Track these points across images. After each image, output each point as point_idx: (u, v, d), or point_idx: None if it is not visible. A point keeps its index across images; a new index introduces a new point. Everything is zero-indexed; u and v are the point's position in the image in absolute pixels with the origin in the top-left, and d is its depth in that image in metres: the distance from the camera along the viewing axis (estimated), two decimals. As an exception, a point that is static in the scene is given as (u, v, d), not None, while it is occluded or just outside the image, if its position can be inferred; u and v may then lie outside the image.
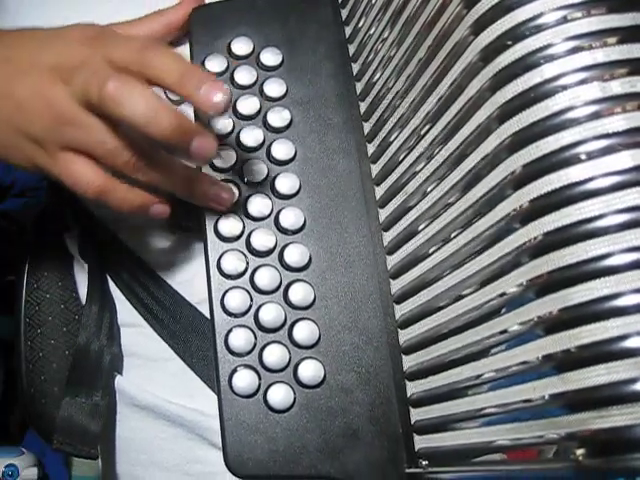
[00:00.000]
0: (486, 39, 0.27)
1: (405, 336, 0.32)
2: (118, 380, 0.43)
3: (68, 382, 0.42)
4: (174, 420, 0.40)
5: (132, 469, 0.42)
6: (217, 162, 0.35)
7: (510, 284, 0.25)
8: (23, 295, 0.51)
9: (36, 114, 0.32)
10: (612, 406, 0.20)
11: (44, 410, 0.49)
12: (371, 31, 0.36)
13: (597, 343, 0.21)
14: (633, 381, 0.21)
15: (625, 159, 0.23)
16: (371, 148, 0.36)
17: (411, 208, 0.32)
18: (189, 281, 0.41)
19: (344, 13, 0.38)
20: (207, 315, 0.40)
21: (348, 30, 0.38)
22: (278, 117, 0.36)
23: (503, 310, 0.26)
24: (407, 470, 0.31)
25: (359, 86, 0.37)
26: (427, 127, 0.31)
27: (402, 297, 0.33)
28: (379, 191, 0.35)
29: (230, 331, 0.33)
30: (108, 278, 0.44)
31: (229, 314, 0.34)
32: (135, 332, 0.43)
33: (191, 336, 0.40)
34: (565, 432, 0.22)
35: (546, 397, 0.23)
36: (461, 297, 0.28)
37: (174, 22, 0.39)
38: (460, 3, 0.28)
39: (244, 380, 0.33)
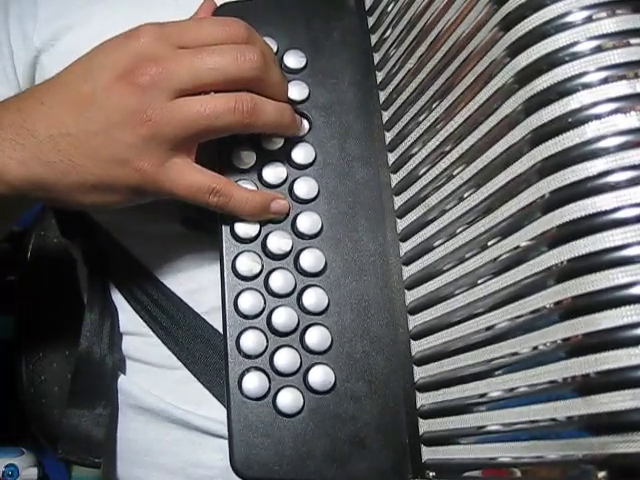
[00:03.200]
0: (522, 62, 0.27)
1: (418, 347, 0.33)
2: (122, 381, 0.43)
3: (71, 392, 0.41)
4: (178, 423, 0.40)
5: (134, 471, 0.42)
6: (236, 163, 0.35)
7: (534, 305, 0.26)
8: (23, 295, 0.51)
9: (127, 129, 0.31)
10: (637, 432, 0.21)
11: (44, 410, 0.48)
12: (398, 42, 0.36)
13: (623, 369, 0.22)
14: (658, 408, 0.21)
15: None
16: (392, 158, 0.36)
17: (432, 221, 0.32)
18: (195, 291, 0.41)
19: (371, 21, 0.38)
20: (213, 324, 0.40)
21: (374, 38, 0.38)
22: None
23: (525, 330, 0.26)
24: (412, 480, 0.32)
25: (382, 95, 0.37)
26: (453, 144, 0.31)
27: (417, 308, 0.33)
28: (398, 201, 0.35)
29: (242, 333, 0.33)
30: (112, 285, 0.44)
31: (241, 315, 0.34)
32: (140, 340, 0.43)
33: (196, 344, 0.40)
34: (587, 454, 0.22)
35: (568, 418, 0.23)
36: (479, 314, 0.28)
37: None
38: (496, 25, 0.29)
39: (254, 382, 0.33)
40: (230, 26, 0.31)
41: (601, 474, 0.22)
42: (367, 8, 0.39)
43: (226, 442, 0.32)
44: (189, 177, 0.32)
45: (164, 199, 0.34)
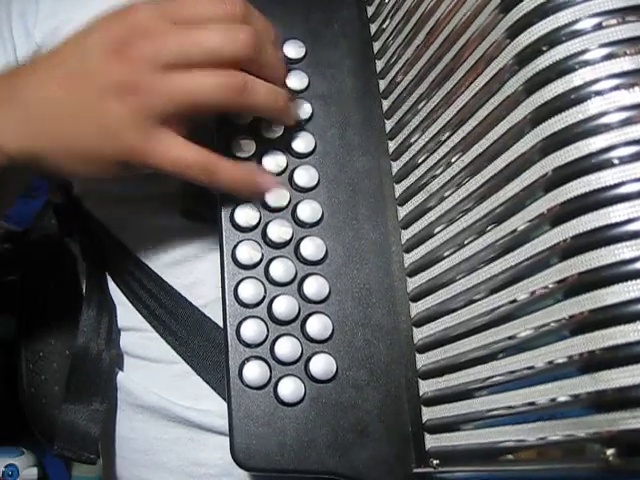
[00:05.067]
0: (523, 43, 0.27)
1: (420, 334, 0.32)
2: (121, 379, 0.42)
3: (67, 388, 0.41)
4: (177, 421, 0.39)
5: (134, 469, 0.42)
6: (236, 152, 0.35)
7: (538, 284, 0.25)
8: (23, 295, 0.50)
9: (116, 100, 0.31)
10: (646, 406, 0.21)
11: (44, 409, 0.48)
12: (397, 31, 0.36)
13: (630, 344, 0.21)
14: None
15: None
16: (392, 146, 0.36)
17: (433, 207, 0.32)
18: (194, 284, 0.41)
19: (370, 10, 0.38)
20: (212, 318, 0.40)
21: (373, 27, 0.38)
22: (299, 110, 0.36)
23: (529, 309, 0.26)
24: (415, 470, 0.31)
25: (382, 84, 0.37)
26: (453, 129, 0.31)
27: (419, 295, 0.33)
28: (399, 189, 0.35)
29: (242, 321, 0.33)
30: (110, 280, 0.44)
31: (242, 304, 0.33)
32: (138, 335, 0.42)
33: (195, 338, 0.39)
34: (594, 431, 0.22)
35: (574, 397, 0.23)
36: (483, 297, 0.28)
37: None
38: (496, 8, 0.29)
39: (254, 371, 0.32)
40: (227, 3, 0.31)
41: (609, 451, 0.21)
42: (366, -3, 0.39)
43: (226, 440, 0.32)
44: (175, 151, 0.31)
45: (164, 191, 0.34)
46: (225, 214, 0.35)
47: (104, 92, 0.31)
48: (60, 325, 0.52)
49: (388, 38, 0.37)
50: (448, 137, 0.31)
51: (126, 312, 0.42)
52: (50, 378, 0.51)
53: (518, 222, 0.27)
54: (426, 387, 0.32)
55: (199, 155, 0.32)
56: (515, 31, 0.28)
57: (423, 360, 0.32)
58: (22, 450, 0.95)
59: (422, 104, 0.34)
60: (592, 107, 0.25)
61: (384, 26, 0.37)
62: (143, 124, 0.30)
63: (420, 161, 0.33)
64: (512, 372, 0.26)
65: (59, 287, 0.52)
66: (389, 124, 0.36)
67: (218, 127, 0.35)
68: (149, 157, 0.31)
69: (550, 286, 0.25)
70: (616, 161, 0.24)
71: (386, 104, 0.36)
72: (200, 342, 0.39)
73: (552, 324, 0.24)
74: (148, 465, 0.41)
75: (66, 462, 1.00)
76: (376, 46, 0.38)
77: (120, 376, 0.43)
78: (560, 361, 0.24)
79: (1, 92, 0.33)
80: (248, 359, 0.32)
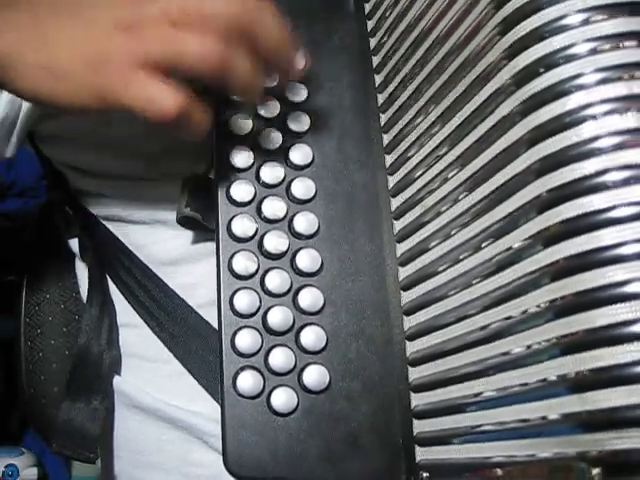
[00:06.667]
0: (520, 64, 0.28)
1: (413, 348, 0.33)
2: (117, 381, 0.42)
3: (68, 386, 0.41)
4: (173, 422, 0.40)
5: (131, 470, 0.42)
6: (233, 161, 0.35)
7: (528, 304, 0.26)
8: (23, 295, 0.50)
9: (103, 28, 0.30)
10: (631, 428, 0.21)
11: (44, 410, 0.48)
12: (396, 46, 0.36)
13: (618, 366, 0.22)
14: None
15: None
16: (389, 160, 0.36)
17: (428, 222, 0.32)
18: (191, 284, 0.41)
19: (370, 24, 0.39)
20: (208, 319, 0.40)
21: (373, 42, 0.38)
22: (298, 122, 0.36)
23: (520, 328, 0.26)
24: (405, 482, 0.32)
25: (381, 98, 0.37)
26: (450, 146, 0.31)
27: (412, 309, 0.33)
28: (395, 203, 0.35)
29: (237, 331, 0.33)
30: (109, 279, 0.44)
31: (237, 314, 0.33)
32: (134, 333, 0.43)
33: (190, 339, 0.40)
34: (581, 451, 0.22)
35: (563, 415, 0.23)
36: (475, 314, 0.29)
37: None
38: (494, 28, 0.29)
39: (248, 381, 0.32)
40: None
41: (595, 471, 0.22)
42: (367, 12, 0.39)
43: (219, 442, 0.32)
44: (153, 90, 0.30)
45: (164, 186, 0.34)
46: (222, 224, 0.35)
47: (96, 20, 0.30)
48: (60, 325, 0.52)
49: (387, 53, 0.37)
50: (445, 153, 0.32)
51: (123, 310, 0.43)
52: (49, 378, 0.51)
53: (512, 241, 0.27)
54: (418, 400, 0.32)
55: (174, 97, 0.30)
56: (512, 52, 0.28)
57: (415, 373, 0.32)
58: (22, 450, 0.95)
59: (420, 119, 0.34)
60: (586, 130, 0.25)
61: (383, 40, 0.37)
62: (125, 59, 0.30)
63: (417, 176, 0.34)
64: (503, 388, 0.27)
65: (59, 288, 0.52)
66: (387, 138, 0.37)
67: (216, 137, 0.35)
68: (121, 93, 0.30)
69: (541, 306, 0.25)
70: (609, 184, 0.24)
71: (384, 118, 0.37)
72: (196, 344, 0.40)
73: (543, 343, 0.25)
74: (144, 466, 0.42)
75: (66, 462, 1.00)
76: (375, 60, 0.38)
77: (116, 379, 0.43)
78: (550, 380, 0.24)
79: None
80: (242, 368, 0.33)
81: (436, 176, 0.32)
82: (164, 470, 0.40)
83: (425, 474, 0.31)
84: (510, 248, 0.27)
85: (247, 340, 0.33)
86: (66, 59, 0.30)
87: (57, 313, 0.52)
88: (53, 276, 0.50)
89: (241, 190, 0.35)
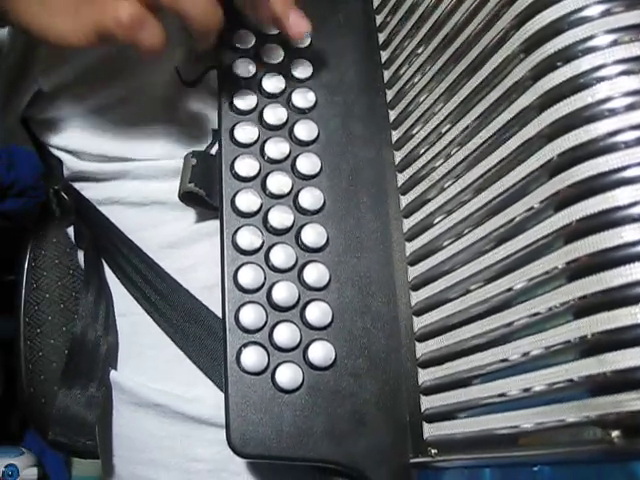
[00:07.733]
0: (530, 29, 0.27)
1: (420, 323, 0.32)
2: (115, 375, 0.42)
3: (64, 373, 0.40)
4: (172, 417, 0.39)
5: (133, 468, 0.41)
6: (239, 136, 0.35)
7: (543, 268, 0.25)
8: (23, 295, 0.50)
9: None
10: (651, 387, 0.20)
11: (44, 409, 0.48)
12: (402, 21, 0.36)
13: (636, 326, 0.21)
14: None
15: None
16: (396, 135, 0.36)
17: (436, 195, 0.32)
18: (190, 267, 0.40)
19: (376, 1, 0.39)
20: (206, 303, 0.39)
21: (379, 19, 0.38)
22: (303, 98, 0.36)
23: (531, 294, 0.26)
24: (412, 460, 0.31)
25: (387, 74, 0.37)
26: (457, 118, 0.31)
27: (420, 284, 0.32)
28: (401, 178, 0.35)
29: (241, 307, 0.32)
30: (105, 265, 0.44)
31: (241, 289, 0.33)
32: (132, 320, 0.42)
33: (189, 324, 0.39)
34: (598, 414, 0.22)
35: (580, 379, 0.22)
36: (485, 283, 0.28)
37: None
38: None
39: (252, 357, 0.32)
40: None
41: (614, 433, 0.21)
42: (372, -10, 0.39)
43: (222, 432, 0.31)
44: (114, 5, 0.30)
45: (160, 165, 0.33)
46: (226, 199, 0.34)
47: None
48: (59, 325, 0.51)
49: (393, 30, 0.37)
50: (453, 126, 0.31)
51: (120, 297, 0.42)
52: (49, 378, 0.51)
53: (523, 207, 0.27)
54: (425, 376, 0.31)
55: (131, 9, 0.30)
56: (523, 18, 0.28)
57: (423, 349, 0.32)
58: (22, 450, 0.95)
59: (425, 95, 0.34)
60: (599, 92, 0.25)
61: (389, 17, 0.37)
62: None
63: (423, 151, 0.33)
64: (514, 357, 0.26)
65: (59, 288, 0.52)
66: (393, 114, 0.36)
67: (221, 116, 0.35)
68: (106, 15, 0.31)
69: (554, 269, 0.25)
70: (622, 145, 0.24)
71: (390, 94, 0.37)
72: (195, 329, 0.39)
73: (558, 306, 0.24)
74: (145, 462, 0.41)
75: (66, 462, 0.99)
76: (381, 37, 0.38)
77: (113, 374, 0.42)
78: (564, 345, 0.24)
79: None
80: (246, 345, 0.32)
81: (443, 149, 0.32)
82: (165, 466, 0.39)
83: (434, 450, 0.30)
84: (519, 216, 0.27)
85: (251, 316, 0.32)
86: None
87: (57, 313, 0.52)
88: (53, 276, 0.50)
89: (246, 165, 0.35)
